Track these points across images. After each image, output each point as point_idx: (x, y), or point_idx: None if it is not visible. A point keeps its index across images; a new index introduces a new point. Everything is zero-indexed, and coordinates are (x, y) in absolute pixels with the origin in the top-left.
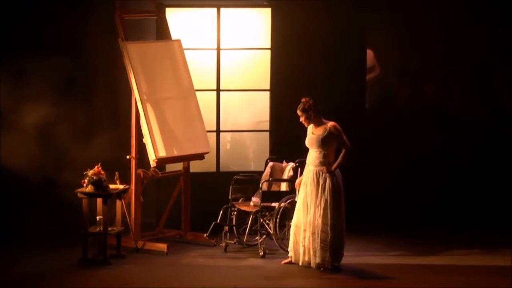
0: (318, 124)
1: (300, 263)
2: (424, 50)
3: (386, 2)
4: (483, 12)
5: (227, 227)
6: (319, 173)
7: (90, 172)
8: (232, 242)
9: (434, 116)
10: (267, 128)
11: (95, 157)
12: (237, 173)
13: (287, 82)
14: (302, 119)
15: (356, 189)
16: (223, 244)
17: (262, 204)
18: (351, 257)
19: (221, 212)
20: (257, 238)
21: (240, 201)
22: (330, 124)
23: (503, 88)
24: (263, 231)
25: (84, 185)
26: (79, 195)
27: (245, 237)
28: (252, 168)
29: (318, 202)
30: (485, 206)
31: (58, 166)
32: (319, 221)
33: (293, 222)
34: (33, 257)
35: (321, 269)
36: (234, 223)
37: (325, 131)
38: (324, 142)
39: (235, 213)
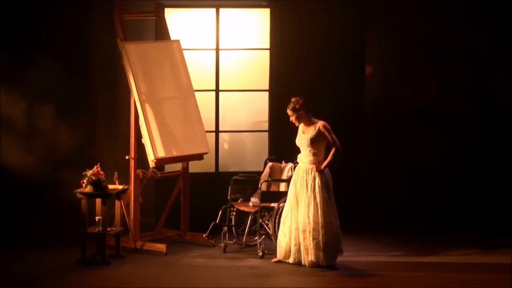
0: (308, 123)
1: (291, 261)
2: (424, 49)
3: (386, 1)
4: (483, 12)
5: (226, 227)
6: (308, 172)
7: (89, 173)
8: (231, 242)
9: (433, 116)
10: (266, 128)
11: (94, 157)
12: (236, 173)
13: (286, 82)
14: (292, 118)
15: (356, 189)
16: (222, 244)
17: (261, 205)
18: (350, 256)
19: (220, 212)
20: (256, 238)
21: (239, 201)
22: (320, 123)
23: (503, 88)
24: (262, 231)
25: (83, 185)
26: (78, 195)
27: (244, 237)
28: (251, 168)
29: (308, 200)
30: (485, 206)
31: (58, 166)
32: (310, 219)
33: (283, 221)
34: (32, 257)
35: (316, 267)
36: (233, 223)
37: (315, 130)
38: (314, 141)
39: (234, 213)
